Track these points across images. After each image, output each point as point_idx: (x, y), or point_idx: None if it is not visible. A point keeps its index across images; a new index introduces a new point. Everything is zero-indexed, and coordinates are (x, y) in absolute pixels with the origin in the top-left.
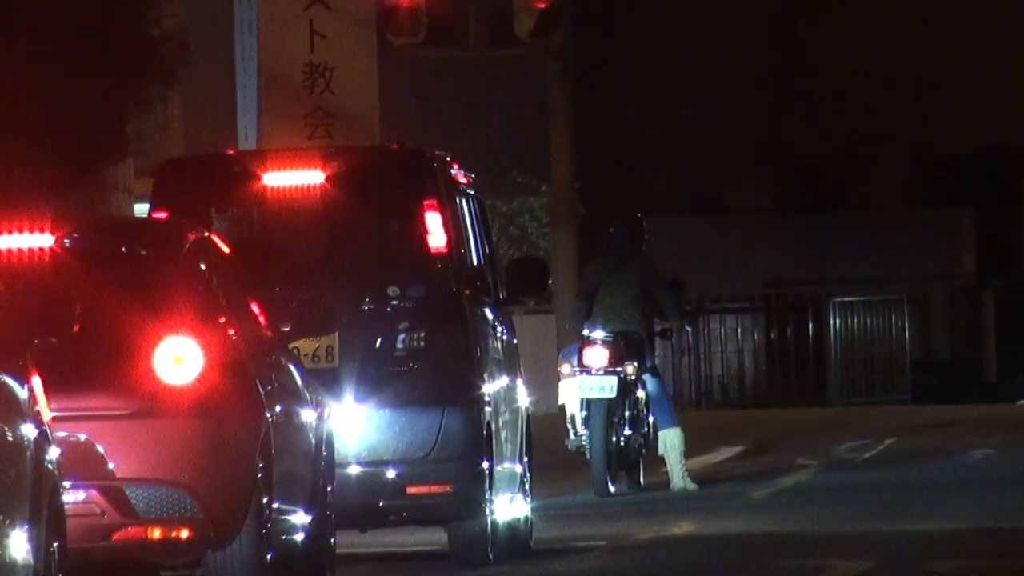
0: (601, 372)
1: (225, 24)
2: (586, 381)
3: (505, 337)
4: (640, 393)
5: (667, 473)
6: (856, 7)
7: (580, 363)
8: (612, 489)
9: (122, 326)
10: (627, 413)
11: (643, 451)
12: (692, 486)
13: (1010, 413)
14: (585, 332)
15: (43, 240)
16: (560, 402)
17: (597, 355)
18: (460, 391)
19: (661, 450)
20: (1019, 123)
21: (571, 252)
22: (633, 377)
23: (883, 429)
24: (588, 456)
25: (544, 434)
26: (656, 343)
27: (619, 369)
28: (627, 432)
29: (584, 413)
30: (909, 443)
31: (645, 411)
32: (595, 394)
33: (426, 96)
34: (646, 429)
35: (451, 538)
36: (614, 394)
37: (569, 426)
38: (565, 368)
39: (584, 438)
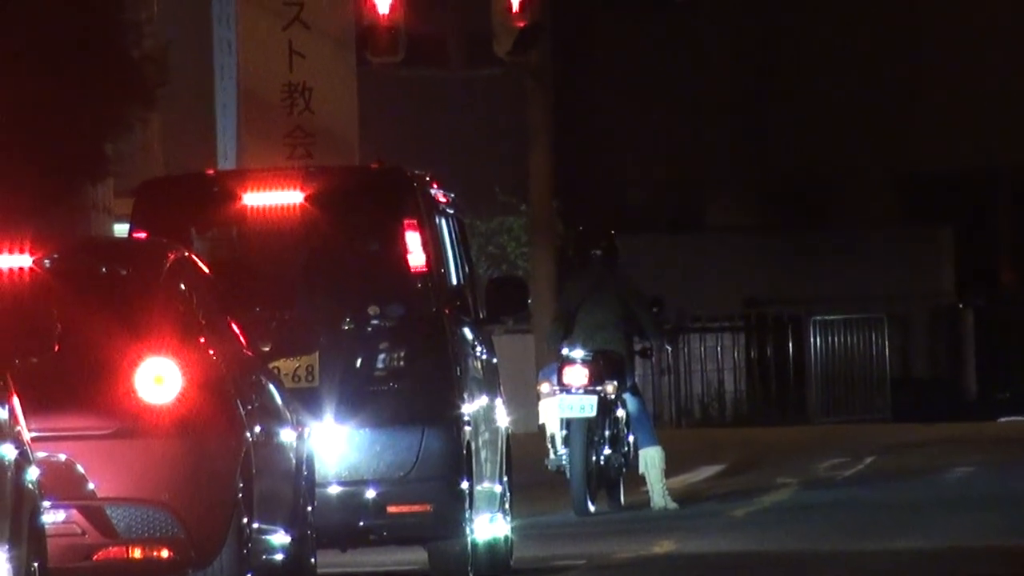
0: (581, 391)
1: (205, 44)
2: (566, 400)
3: (485, 356)
4: (620, 412)
5: (647, 492)
6: (837, 27)
7: (560, 382)
8: (592, 508)
9: (102, 346)
10: (607, 432)
11: (623, 470)
12: (672, 505)
13: (990, 431)
14: (564, 351)
15: (23, 260)
16: (540, 421)
17: (577, 374)
18: (440, 410)
19: (642, 469)
20: (998, 142)
21: (550, 271)
22: (613, 396)
23: (863, 447)
24: (568, 475)
25: (524, 453)
26: (636, 362)
27: (599, 388)
28: (607, 451)
29: (564, 432)
30: (889, 461)
31: (625, 430)
32: (575, 413)
33: (406, 116)
34: (626, 448)
35: (431, 558)
36: (594, 413)
37: (549, 445)
38: (545, 387)
39: (564, 457)
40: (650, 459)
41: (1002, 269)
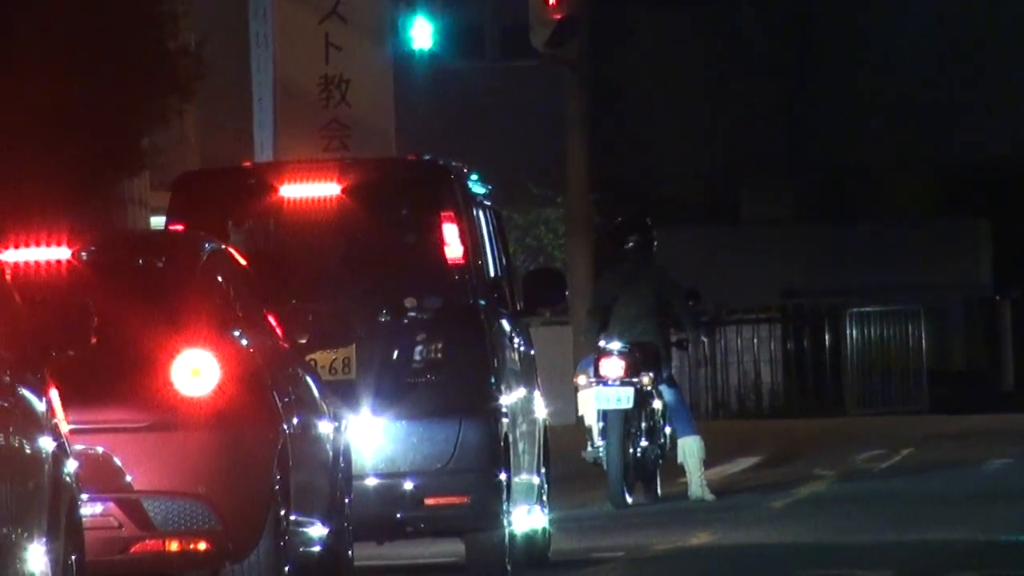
0: (617, 383)
1: (241, 37)
2: (603, 392)
3: (522, 348)
4: (656, 404)
5: (684, 483)
6: (874, 17)
7: (596, 374)
8: (629, 500)
9: (139, 339)
10: (643, 424)
11: (660, 462)
12: (710, 496)
13: None
14: (601, 343)
15: (60, 253)
16: (579, 413)
17: (613, 366)
18: (477, 402)
19: (680, 458)
20: None
21: (588, 263)
22: (649, 388)
23: (900, 439)
24: (605, 467)
25: (561, 445)
26: (673, 354)
27: (635, 380)
28: (644, 443)
29: (601, 424)
30: (926, 453)
31: (661, 422)
32: (611, 405)
33: (442, 107)
34: (663, 440)
35: (468, 550)
36: (630, 405)
37: (587, 437)
38: (582, 379)
39: (601, 449)
40: (689, 448)
41: None
